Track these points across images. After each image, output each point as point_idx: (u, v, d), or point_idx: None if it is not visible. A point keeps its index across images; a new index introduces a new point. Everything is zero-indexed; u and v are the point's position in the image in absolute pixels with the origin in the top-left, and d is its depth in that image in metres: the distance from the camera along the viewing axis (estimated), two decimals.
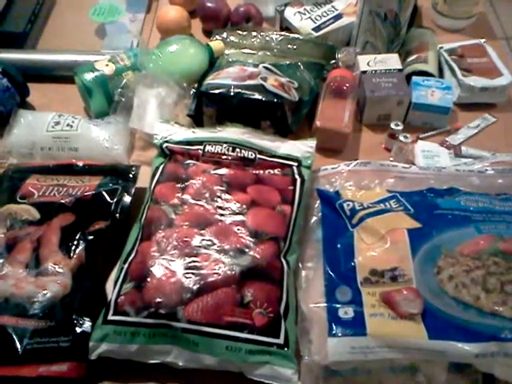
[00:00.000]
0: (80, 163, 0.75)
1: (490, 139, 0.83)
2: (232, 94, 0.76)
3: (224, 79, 0.79)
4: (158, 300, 0.56)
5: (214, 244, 0.60)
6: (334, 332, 0.56)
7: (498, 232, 0.62)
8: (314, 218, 0.69)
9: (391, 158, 0.79)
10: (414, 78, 0.85)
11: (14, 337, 0.57)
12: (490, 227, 0.63)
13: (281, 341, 0.55)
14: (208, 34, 0.98)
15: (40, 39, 1.01)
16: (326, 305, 0.59)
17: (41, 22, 1.04)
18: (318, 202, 0.70)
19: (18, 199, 0.69)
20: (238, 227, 0.62)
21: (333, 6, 0.96)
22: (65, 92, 0.88)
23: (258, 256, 0.60)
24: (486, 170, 0.70)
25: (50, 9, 1.07)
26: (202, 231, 0.62)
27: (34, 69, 0.91)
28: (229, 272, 0.58)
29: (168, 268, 0.58)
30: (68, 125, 0.80)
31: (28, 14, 1.02)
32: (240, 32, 0.93)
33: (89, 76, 0.81)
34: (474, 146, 0.81)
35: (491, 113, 0.87)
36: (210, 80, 0.80)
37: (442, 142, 0.81)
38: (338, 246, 0.64)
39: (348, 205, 0.67)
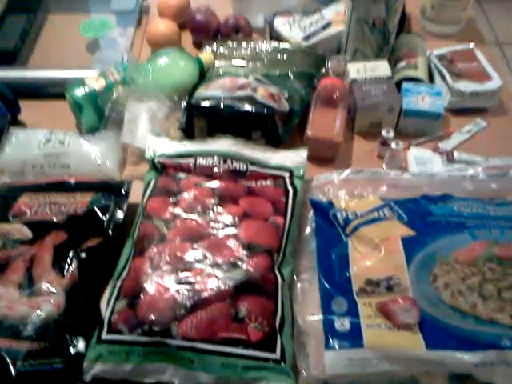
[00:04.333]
0: (72, 180, 0.74)
1: (483, 144, 0.83)
2: (222, 105, 0.76)
3: (214, 91, 0.79)
4: (152, 317, 0.56)
5: (207, 258, 0.60)
6: (330, 345, 0.55)
7: (492, 237, 0.62)
8: (308, 229, 0.68)
9: (384, 166, 0.79)
10: (404, 85, 0.85)
11: (8, 360, 0.56)
12: (485, 233, 0.63)
13: (277, 355, 0.55)
14: (198, 46, 0.99)
15: (31, 56, 1.01)
16: (322, 317, 0.58)
17: (32, 39, 1.04)
18: (312, 212, 0.70)
19: (11, 218, 0.69)
20: (231, 240, 0.62)
21: (321, 16, 0.96)
22: (56, 109, 0.88)
23: (251, 269, 0.59)
24: (479, 175, 0.70)
25: (41, 26, 1.07)
26: (195, 245, 0.61)
27: (25, 86, 0.91)
28: (222, 286, 0.57)
29: (161, 284, 0.58)
30: (59, 141, 0.79)
31: (18, 32, 1.02)
32: (230, 43, 0.93)
33: (79, 92, 0.81)
34: (466, 151, 0.81)
35: (483, 117, 0.86)
36: (200, 92, 0.80)
37: (434, 148, 0.81)
38: (333, 256, 0.63)
39: (341, 214, 0.67)
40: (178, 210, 0.65)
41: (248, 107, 0.76)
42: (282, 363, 0.55)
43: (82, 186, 0.74)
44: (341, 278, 0.61)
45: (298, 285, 0.63)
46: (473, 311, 0.56)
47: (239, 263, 0.60)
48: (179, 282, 0.58)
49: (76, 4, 1.14)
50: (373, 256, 0.62)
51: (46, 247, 0.65)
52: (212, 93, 0.79)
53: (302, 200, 0.69)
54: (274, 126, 0.78)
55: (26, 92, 0.89)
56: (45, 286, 0.61)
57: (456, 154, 0.79)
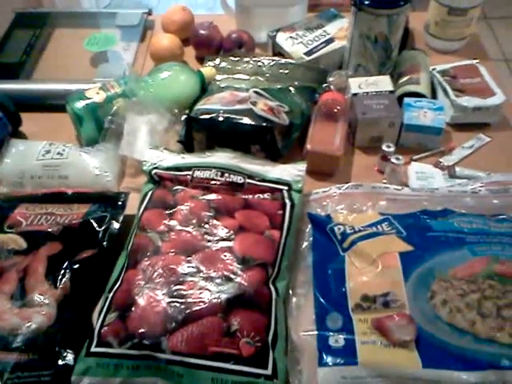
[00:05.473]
0: (69, 191, 0.74)
1: (485, 159, 0.81)
2: (221, 118, 0.76)
3: (214, 104, 0.79)
4: (142, 330, 0.55)
5: (201, 271, 0.59)
6: (324, 361, 0.54)
7: (493, 254, 0.60)
8: (306, 243, 0.67)
9: (384, 181, 0.78)
10: (406, 100, 0.84)
11: None
12: (485, 249, 0.61)
13: (269, 371, 0.53)
14: (201, 60, 0.99)
15: (36, 69, 1.02)
16: (316, 333, 0.57)
17: (37, 52, 1.05)
18: (310, 226, 0.69)
19: (6, 229, 0.69)
20: (225, 253, 0.61)
21: (324, 31, 0.97)
22: (57, 121, 0.88)
23: (244, 283, 0.58)
24: (480, 190, 0.69)
25: (46, 40, 1.09)
26: (189, 258, 0.60)
27: (27, 98, 0.92)
28: (214, 300, 0.56)
29: (153, 297, 0.57)
30: (58, 153, 0.80)
31: (24, 46, 1.04)
32: (232, 58, 0.93)
33: (79, 104, 0.82)
34: (468, 166, 0.80)
35: (485, 133, 0.86)
36: (200, 105, 0.80)
37: (435, 163, 0.80)
38: (329, 271, 0.62)
39: (339, 228, 0.66)
40: (173, 223, 0.65)
41: (247, 121, 0.76)
42: (274, 380, 0.53)
43: (79, 198, 0.74)
44: (337, 294, 0.59)
45: (293, 299, 0.62)
46: (471, 329, 0.54)
47: (233, 277, 0.59)
48: (171, 295, 0.57)
49: (82, 19, 1.16)
50: (370, 271, 0.60)
51: (40, 258, 0.65)
52: (211, 106, 0.79)
53: (299, 214, 0.68)
54: (273, 140, 0.77)
55: (27, 104, 0.90)
56: (37, 297, 0.61)
57: (458, 170, 0.78)
